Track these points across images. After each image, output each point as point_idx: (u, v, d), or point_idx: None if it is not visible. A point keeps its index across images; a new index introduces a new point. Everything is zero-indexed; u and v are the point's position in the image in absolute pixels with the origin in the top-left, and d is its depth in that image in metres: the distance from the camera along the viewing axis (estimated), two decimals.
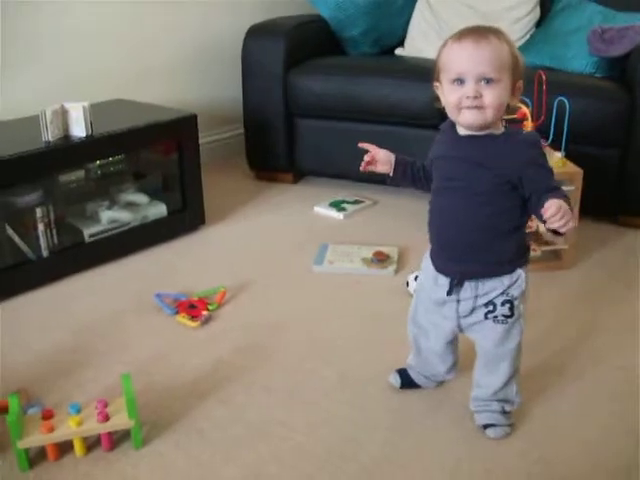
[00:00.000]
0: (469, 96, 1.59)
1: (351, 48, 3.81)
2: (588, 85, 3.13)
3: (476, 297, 1.76)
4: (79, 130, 2.76)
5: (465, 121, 1.65)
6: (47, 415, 1.84)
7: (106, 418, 1.81)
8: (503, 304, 1.75)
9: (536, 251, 2.73)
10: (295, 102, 3.52)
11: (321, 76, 3.47)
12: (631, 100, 2.97)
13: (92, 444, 1.86)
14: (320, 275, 2.73)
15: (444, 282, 1.79)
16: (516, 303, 1.76)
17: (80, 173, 2.95)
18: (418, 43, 3.69)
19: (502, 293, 1.74)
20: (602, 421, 1.95)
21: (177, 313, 2.43)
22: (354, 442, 1.86)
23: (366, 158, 1.88)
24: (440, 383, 2.07)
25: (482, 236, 1.71)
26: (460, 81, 1.61)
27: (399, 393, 2.04)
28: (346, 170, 3.48)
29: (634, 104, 2.96)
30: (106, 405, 1.85)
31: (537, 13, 3.67)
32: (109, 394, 1.99)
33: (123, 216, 2.99)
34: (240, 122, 3.81)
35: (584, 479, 1.75)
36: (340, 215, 3.28)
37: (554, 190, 1.61)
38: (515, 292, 1.75)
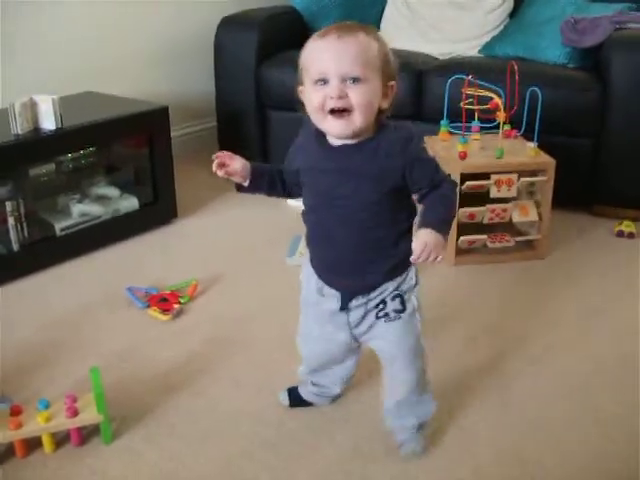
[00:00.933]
0: (333, 96, 1.44)
1: None
2: (561, 75, 3.12)
3: (367, 302, 1.64)
4: (49, 123, 2.73)
5: (332, 131, 1.50)
6: (15, 411, 1.82)
7: (75, 413, 1.80)
8: (393, 299, 1.63)
9: (510, 242, 2.74)
10: (267, 94, 3.50)
11: (293, 68, 3.43)
12: (604, 90, 2.98)
13: (61, 440, 1.85)
14: (292, 267, 2.71)
15: (331, 293, 1.66)
16: (407, 296, 1.65)
17: (51, 166, 2.91)
18: (391, 33, 3.67)
19: (393, 290, 1.63)
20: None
21: (149, 307, 2.41)
22: (324, 435, 1.86)
23: (217, 159, 1.63)
24: (334, 399, 1.97)
25: (368, 253, 1.59)
26: (323, 81, 1.45)
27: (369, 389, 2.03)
28: None
29: (606, 94, 2.97)
30: (75, 400, 1.84)
31: (511, 3, 3.66)
32: (80, 388, 1.97)
33: (94, 209, 2.96)
34: (213, 115, 3.79)
35: None
36: None
37: (437, 187, 1.53)
38: (405, 287, 1.64)
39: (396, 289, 1.62)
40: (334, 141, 1.53)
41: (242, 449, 1.81)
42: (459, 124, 2.84)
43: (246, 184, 1.69)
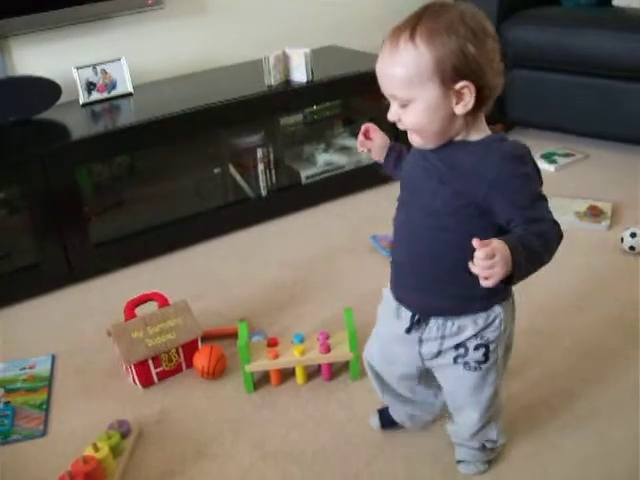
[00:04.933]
0: (389, 117, 1.33)
1: None
2: None
3: (443, 338, 1.45)
4: (300, 75, 2.88)
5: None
6: (272, 343, 1.98)
7: (328, 349, 1.93)
8: (477, 348, 1.43)
9: None
10: (509, 53, 3.48)
11: (536, 27, 3.39)
12: None
13: (312, 373, 1.99)
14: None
15: (407, 316, 1.48)
16: (492, 347, 1.44)
17: (298, 117, 3.07)
18: None
19: (475, 335, 1.42)
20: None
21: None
22: None
23: (362, 129, 1.63)
24: (426, 424, 1.78)
25: (440, 266, 1.39)
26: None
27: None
28: (557, 122, 3.41)
29: None
30: (328, 337, 1.96)
31: None
32: (325, 327, 2.10)
33: (338, 159, 3.11)
34: None
35: None
36: (551, 167, 3.23)
37: (529, 223, 1.26)
38: (491, 335, 1.43)
39: (480, 336, 1.42)
40: None
41: None
42: None
43: (382, 161, 1.63)
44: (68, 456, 1.71)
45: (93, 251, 2.65)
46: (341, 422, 1.83)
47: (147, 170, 2.89)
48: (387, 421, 1.78)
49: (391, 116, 1.32)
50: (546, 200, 1.31)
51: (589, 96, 3.22)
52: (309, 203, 2.96)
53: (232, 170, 2.91)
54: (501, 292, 1.39)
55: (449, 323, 1.43)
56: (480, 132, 1.33)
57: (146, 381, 2.02)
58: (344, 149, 3.17)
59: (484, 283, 1.18)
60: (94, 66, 2.93)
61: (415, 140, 1.34)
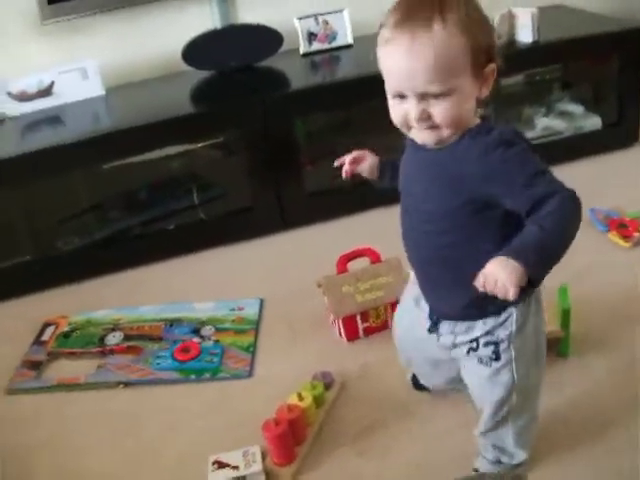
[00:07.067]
0: (413, 117, 1.21)
1: None
2: None
3: (454, 334, 1.42)
4: (526, 35, 2.78)
5: (417, 139, 1.27)
6: None
7: None
8: (486, 345, 1.38)
9: None
10: None
11: None
12: None
13: None
14: None
15: (425, 307, 1.48)
16: (503, 347, 1.37)
17: (519, 78, 2.98)
18: None
19: (486, 333, 1.37)
20: None
21: (609, 230, 2.40)
22: None
23: (349, 159, 1.54)
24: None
25: (443, 272, 1.36)
26: (400, 96, 1.22)
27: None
28: None
29: None
30: None
31: None
32: None
33: (558, 125, 2.99)
34: None
35: None
36: None
37: (540, 205, 1.15)
38: (502, 334, 1.36)
39: (489, 333, 1.37)
40: None
41: None
42: None
43: (376, 180, 1.56)
44: (272, 400, 1.76)
45: (307, 200, 2.70)
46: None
47: (361, 124, 2.88)
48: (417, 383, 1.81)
49: (417, 114, 1.19)
50: (548, 172, 1.20)
51: None
52: None
53: None
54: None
55: (459, 323, 1.41)
56: (471, 124, 1.25)
57: (352, 335, 2.04)
58: (564, 114, 3.03)
59: (506, 296, 1.10)
60: (316, 16, 2.96)
61: (431, 137, 1.24)
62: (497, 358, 1.38)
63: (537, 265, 1.12)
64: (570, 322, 1.84)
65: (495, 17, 2.73)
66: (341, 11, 2.96)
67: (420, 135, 1.25)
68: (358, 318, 2.02)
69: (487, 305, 1.33)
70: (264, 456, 1.66)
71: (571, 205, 1.17)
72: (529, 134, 2.92)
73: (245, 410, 1.85)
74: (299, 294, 2.26)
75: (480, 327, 1.38)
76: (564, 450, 1.61)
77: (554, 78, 3.09)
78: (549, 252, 1.14)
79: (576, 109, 3.05)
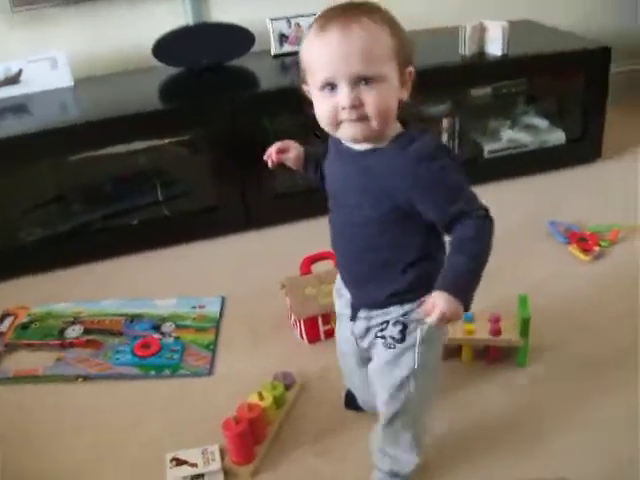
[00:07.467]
0: (345, 106, 1.20)
1: None
2: None
3: (368, 319, 1.44)
4: (495, 48, 2.81)
5: (345, 136, 1.28)
6: None
7: (498, 332, 1.89)
8: (395, 324, 1.39)
9: None
10: None
11: None
12: None
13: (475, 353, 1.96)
14: None
15: (346, 294, 1.50)
16: (411, 327, 1.39)
17: (487, 90, 3.02)
18: None
19: (400, 315, 1.39)
20: None
21: (569, 243, 2.43)
22: None
23: (274, 148, 1.57)
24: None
25: (367, 269, 1.40)
26: (331, 86, 1.21)
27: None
28: None
29: None
30: (499, 320, 1.92)
31: None
32: (493, 310, 2.00)
33: (523, 137, 3.02)
34: None
35: None
36: None
37: (456, 221, 1.22)
38: (414, 315, 1.37)
39: (402, 315, 1.39)
40: (346, 141, 1.33)
41: None
42: None
43: (301, 169, 1.59)
44: (232, 398, 1.77)
45: (272, 200, 2.71)
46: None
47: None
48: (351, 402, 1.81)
49: (350, 100, 1.19)
50: (468, 187, 1.25)
51: None
52: (488, 178, 2.90)
53: None
54: (430, 288, 1.24)
55: (377, 310, 1.43)
56: (391, 133, 1.28)
57: (313, 337, 2.05)
58: (529, 127, 3.07)
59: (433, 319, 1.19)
60: (288, 19, 2.97)
61: (360, 131, 1.24)
62: (402, 339, 1.40)
63: (470, 293, 1.22)
64: (529, 331, 1.86)
65: (467, 28, 2.76)
66: (314, 15, 2.96)
67: (349, 129, 1.24)
68: (320, 320, 2.03)
69: (407, 294, 1.37)
70: (223, 455, 1.66)
71: (488, 226, 1.25)
72: (494, 146, 2.96)
73: (205, 408, 1.86)
74: (262, 294, 2.27)
75: (396, 310, 1.40)
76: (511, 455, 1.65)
77: (520, 92, 3.13)
78: (478, 279, 1.23)
79: (541, 123, 3.09)
